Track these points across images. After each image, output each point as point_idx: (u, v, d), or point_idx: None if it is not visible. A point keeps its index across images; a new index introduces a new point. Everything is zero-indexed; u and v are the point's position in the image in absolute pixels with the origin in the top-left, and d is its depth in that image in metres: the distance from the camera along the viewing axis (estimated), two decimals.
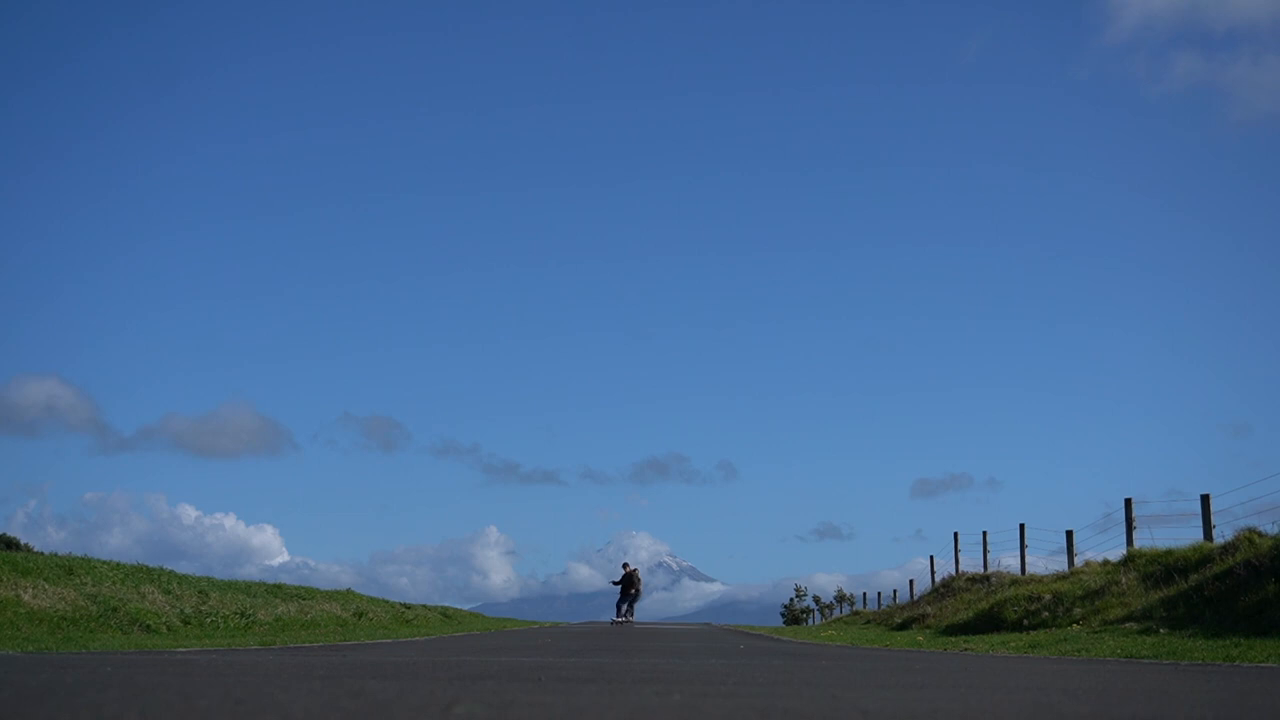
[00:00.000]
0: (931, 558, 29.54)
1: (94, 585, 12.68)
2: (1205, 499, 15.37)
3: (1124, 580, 14.90)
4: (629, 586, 27.31)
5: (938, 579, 27.00)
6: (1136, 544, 17.01)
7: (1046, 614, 15.43)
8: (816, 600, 47.77)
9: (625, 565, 27.42)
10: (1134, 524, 17.31)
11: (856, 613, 38.71)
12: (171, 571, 16.56)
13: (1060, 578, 17.82)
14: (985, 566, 24.22)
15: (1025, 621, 15.54)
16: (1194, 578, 13.11)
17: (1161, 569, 14.41)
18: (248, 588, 17.26)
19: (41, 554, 15.95)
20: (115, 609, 12.00)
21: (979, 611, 17.91)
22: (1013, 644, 12.53)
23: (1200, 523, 15.43)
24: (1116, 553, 17.35)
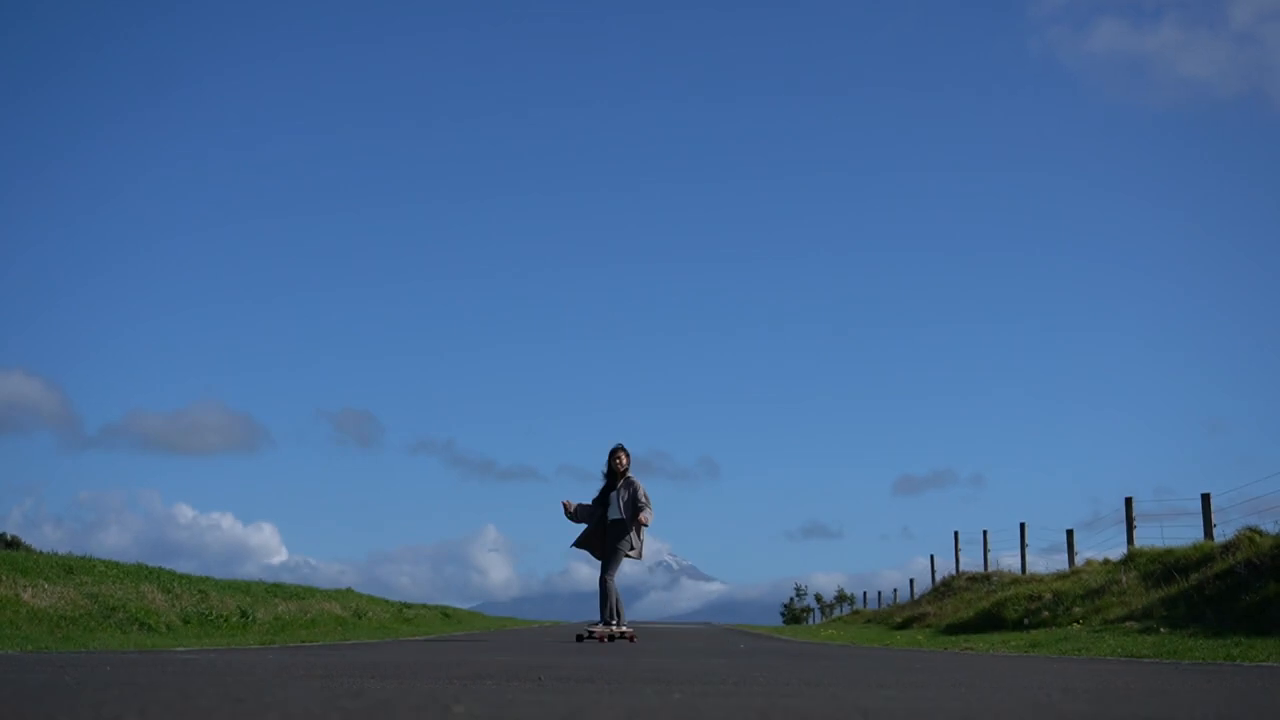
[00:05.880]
0: (932, 557, 29.58)
1: (94, 584, 12.66)
2: (1205, 498, 15.37)
3: (1124, 579, 14.89)
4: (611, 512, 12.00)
5: (938, 578, 27.02)
6: (1139, 542, 17.02)
7: (1047, 613, 15.42)
8: (818, 599, 47.77)
9: (620, 458, 12.15)
10: (1134, 523, 17.33)
11: (857, 612, 38.72)
12: (171, 571, 16.55)
13: (1061, 577, 17.82)
14: (986, 566, 24.24)
15: (1026, 621, 15.54)
16: (1194, 577, 13.09)
17: (1162, 568, 14.40)
18: (247, 587, 17.25)
19: (41, 553, 15.94)
20: (115, 608, 11.99)
21: (979, 611, 17.91)
22: (1013, 643, 12.53)
23: (1197, 521, 15.44)
24: (1117, 552, 17.36)
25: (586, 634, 11.75)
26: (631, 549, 12.05)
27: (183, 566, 18.27)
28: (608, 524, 12.08)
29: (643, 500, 11.96)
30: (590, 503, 12.30)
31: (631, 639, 11.91)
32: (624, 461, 12.25)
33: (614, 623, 11.88)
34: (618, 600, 11.98)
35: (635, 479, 12.16)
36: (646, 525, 12.00)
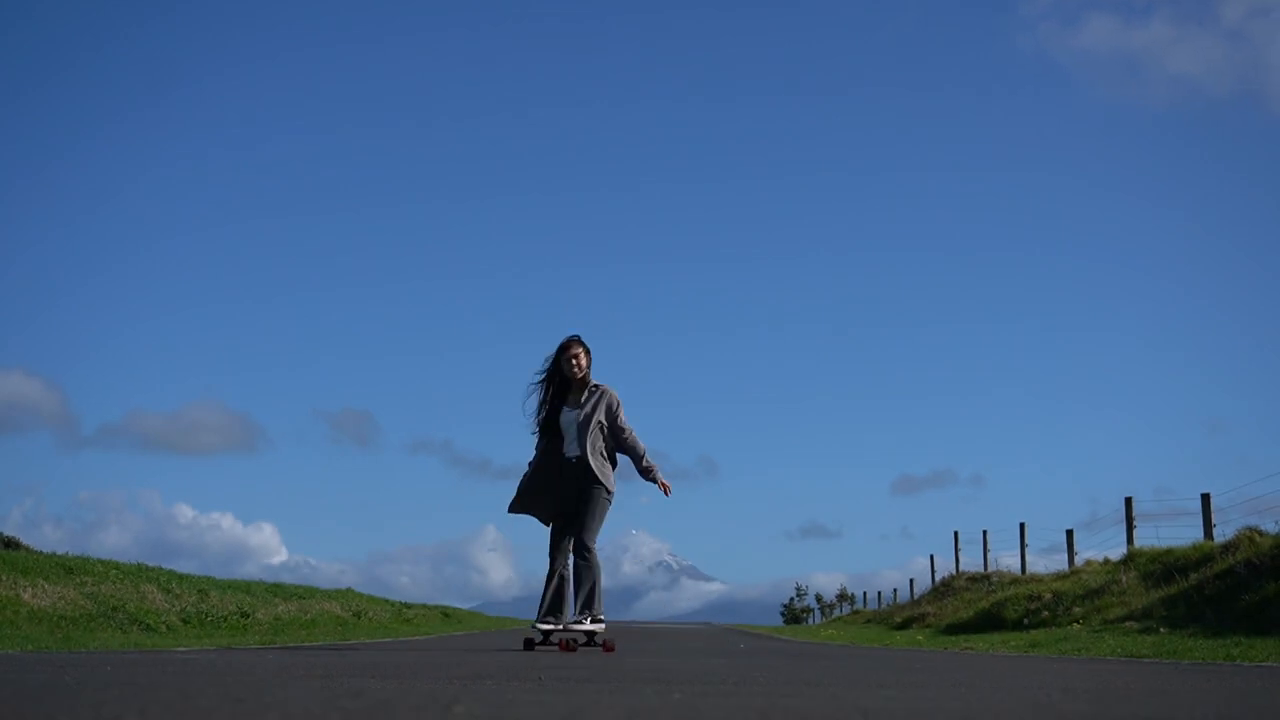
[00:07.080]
0: (932, 557, 29.61)
1: (94, 585, 12.66)
2: (1205, 498, 15.37)
3: (1124, 579, 14.89)
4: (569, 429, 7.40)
5: (938, 578, 27.05)
6: (1139, 542, 17.04)
7: (1047, 613, 15.42)
8: (818, 599, 47.79)
9: (576, 355, 7.38)
10: (1134, 523, 17.34)
11: (857, 612, 38.74)
12: (171, 571, 16.56)
13: (1060, 577, 17.83)
14: (985, 566, 24.26)
15: (1025, 621, 15.54)
16: (1194, 577, 13.10)
17: (1162, 568, 14.40)
18: (247, 587, 17.26)
19: (41, 553, 15.93)
20: (115, 608, 11.99)
21: (979, 611, 17.91)
22: (1013, 643, 12.53)
23: (1197, 521, 15.45)
24: (1117, 552, 17.37)
25: (542, 638, 7.28)
26: (609, 494, 7.38)
27: (183, 566, 18.28)
28: (562, 463, 7.42)
29: (626, 428, 7.42)
30: (533, 455, 7.61)
31: (610, 648, 7.25)
32: (583, 363, 7.50)
33: (586, 617, 7.24)
34: (597, 582, 7.26)
35: (607, 387, 7.50)
36: (652, 474, 7.48)
